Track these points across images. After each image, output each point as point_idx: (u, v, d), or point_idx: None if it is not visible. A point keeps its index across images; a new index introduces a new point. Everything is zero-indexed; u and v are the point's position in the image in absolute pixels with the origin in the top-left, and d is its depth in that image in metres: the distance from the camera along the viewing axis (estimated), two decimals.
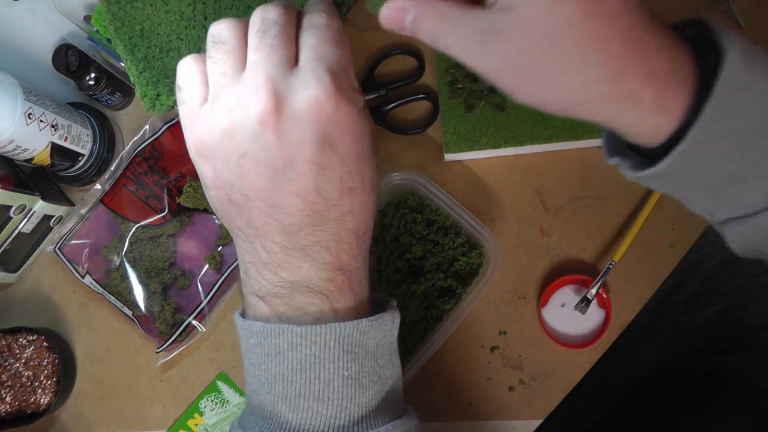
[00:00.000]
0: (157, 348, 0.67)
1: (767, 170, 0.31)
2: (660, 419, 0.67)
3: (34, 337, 0.67)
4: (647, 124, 0.31)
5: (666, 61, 0.31)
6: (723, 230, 0.35)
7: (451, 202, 0.62)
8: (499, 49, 0.31)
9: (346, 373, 0.36)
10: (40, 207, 0.67)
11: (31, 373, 0.67)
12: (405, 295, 0.61)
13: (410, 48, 0.69)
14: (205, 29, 0.58)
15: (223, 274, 0.67)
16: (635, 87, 0.30)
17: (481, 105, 0.62)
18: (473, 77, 0.60)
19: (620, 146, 0.36)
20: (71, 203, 0.72)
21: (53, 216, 0.70)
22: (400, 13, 0.33)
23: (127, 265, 0.68)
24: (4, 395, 0.66)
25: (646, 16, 0.31)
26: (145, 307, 0.67)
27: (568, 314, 0.62)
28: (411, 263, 0.62)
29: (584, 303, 0.60)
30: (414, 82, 0.68)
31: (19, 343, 0.67)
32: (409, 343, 0.63)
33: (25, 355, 0.67)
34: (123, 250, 0.68)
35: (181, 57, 0.58)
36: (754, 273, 0.71)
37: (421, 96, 0.68)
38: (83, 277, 0.68)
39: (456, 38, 0.32)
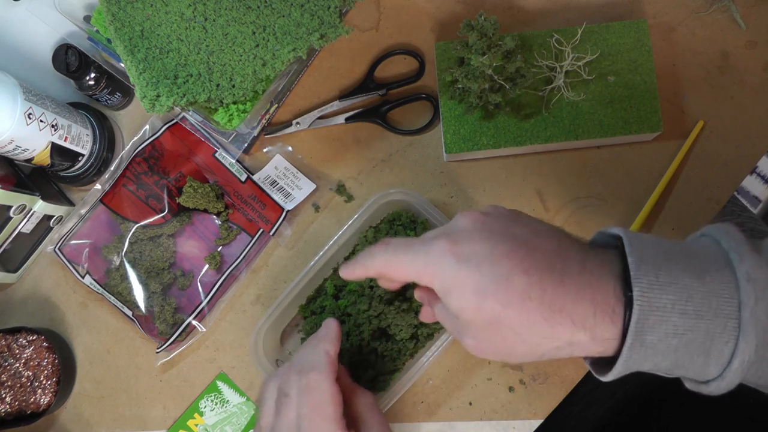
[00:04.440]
0: (157, 348, 0.67)
1: (694, 360, 0.36)
2: (660, 420, 0.67)
3: (34, 337, 0.67)
4: (594, 351, 0.38)
5: (586, 308, 0.37)
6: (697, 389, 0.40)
7: (444, 219, 0.62)
8: (465, 340, 0.41)
9: None
10: (40, 207, 0.67)
11: (31, 373, 0.67)
12: (396, 313, 0.61)
13: (410, 48, 0.69)
14: (205, 30, 0.58)
15: (223, 274, 0.67)
16: (569, 336, 0.37)
17: (481, 105, 0.62)
18: (473, 77, 0.60)
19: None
20: (71, 203, 0.72)
21: (53, 216, 0.70)
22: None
23: (127, 265, 0.68)
24: (4, 395, 0.66)
25: (556, 275, 0.37)
26: (145, 307, 0.67)
27: None
28: None
29: None
30: (414, 82, 0.68)
31: (19, 343, 0.67)
32: (399, 361, 0.63)
33: (25, 355, 0.67)
34: (123, 250, 0.68)
35: (181, 57, 0.58)
36: None
37: (422, 96, 0.68)
38: (83, 277, 0.68)
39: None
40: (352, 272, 0.47)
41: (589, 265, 0.38)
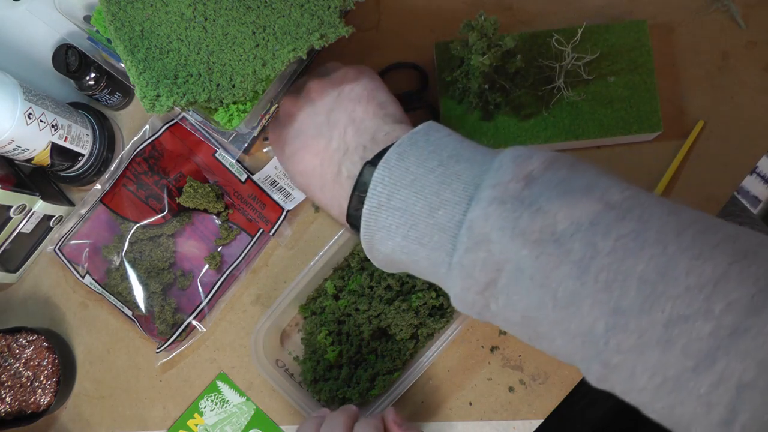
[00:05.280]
0: (157, 348, 0.67)
1: (430, 276, 0.45)
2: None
3: (34, 337, 0.67)
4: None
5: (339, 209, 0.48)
6: None
7: None
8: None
9: None
10: (40, 207, 0.67)
11: (31, 373, 0.67)
12: (396, 313, 0.61)
13: (412, 62, 0.69)
14: (205, 30, 0.58)
15: (223, 274, 0.67)
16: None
17: (481, 105, 0.62)
18: (473, 77, 0.60)
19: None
20: (71, 203, 0.72)
21: (53, 216, 0.70)
22: None
23: (127, 265, 0.68)
24: (4, 395, 0.66)
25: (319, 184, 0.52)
26: (145, 307, 0.67)
27: None
28: (403, 281, 0.62)
29: None
30: (417, 98, 0.68)
31: (19, 343, 0.67)
32: (399, 361, 0.63)
33: (25, 355, 0.67)
34: (123, 250, 0.68)
35: (181, 57, 0.58)
36: None
37: (419, 108, 0.68)
38: (83, 277, 0.68)
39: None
40: None
41: (340, 179, 0.47)
